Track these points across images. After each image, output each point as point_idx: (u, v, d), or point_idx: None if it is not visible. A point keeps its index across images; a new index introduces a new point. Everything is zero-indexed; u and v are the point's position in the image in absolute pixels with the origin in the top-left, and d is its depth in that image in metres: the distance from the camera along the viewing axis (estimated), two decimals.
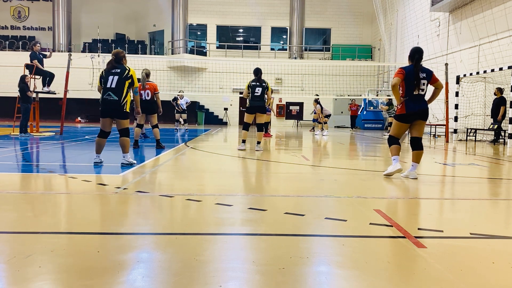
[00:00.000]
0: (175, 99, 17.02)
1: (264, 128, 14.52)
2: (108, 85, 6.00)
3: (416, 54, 5.48)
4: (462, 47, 17.05)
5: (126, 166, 6.10)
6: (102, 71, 6.20)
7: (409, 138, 5.87)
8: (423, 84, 5.49)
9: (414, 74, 5.42)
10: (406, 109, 5.47)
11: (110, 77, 6.03)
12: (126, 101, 6.07)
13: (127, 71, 6.08)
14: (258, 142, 9.15)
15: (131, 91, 6.21)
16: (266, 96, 9.04)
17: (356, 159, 8.68)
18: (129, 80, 6.07)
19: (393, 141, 5.72)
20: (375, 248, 2.73)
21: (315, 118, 19.32)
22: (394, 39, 24.32)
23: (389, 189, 5.03)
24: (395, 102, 17.09)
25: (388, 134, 5.92)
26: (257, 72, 9.05)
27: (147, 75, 8.95)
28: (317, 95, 17.10)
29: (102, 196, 4.18)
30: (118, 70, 6.06)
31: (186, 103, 17.29)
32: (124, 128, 6.19)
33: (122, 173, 5.52)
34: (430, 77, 5.55)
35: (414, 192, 4.94)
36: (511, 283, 2.17)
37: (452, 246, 2.75)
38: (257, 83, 8.98)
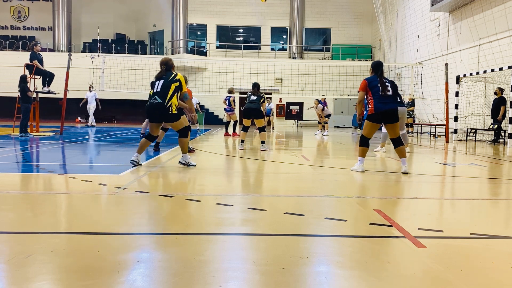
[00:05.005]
0: None
1: (233, 127, 14.80)
2: (155, 90, 6.00)
3: (380, 66, 6.11)
4: (462, 47, 17.04)
5: (184, 164, 6.22)
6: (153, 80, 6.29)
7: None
8: (388, 86, 5.99)
9: (379, 81, 5.96)
10: (374, 110, 5.92)
11: (157, 82, 6.04)
12: (171, 103, 5.92)
13: (173, 75, 6.04)
14: (263, 142, 9.37)
15: (177, 95, 6.07)
16: (262, 105, 9.43)
17: (356, 159, 8.65)
18: (176, 83, 5.97)
19: (363, 142, 6.16)
20: (375, 248, 2.73)
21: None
22: (394, 39, 24.31)
23: (389, 189, 5.04)
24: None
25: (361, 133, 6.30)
26: (254, 86, 9.66)
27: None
28: (323, 95, 17.26)
29: (102, 196, 4.18)
30: (165, 76, 6.05)
31: (196, 103, 17.67)
32: (180, 130, 6.12)
33: (122, 173, 5.52)
34: (394, 87, 6.10)
35: (414, 192, 4.95)
36: (511, 283, 2.17)
37: (452, 246, 2.75)
38: (253, 94, 9.53)
